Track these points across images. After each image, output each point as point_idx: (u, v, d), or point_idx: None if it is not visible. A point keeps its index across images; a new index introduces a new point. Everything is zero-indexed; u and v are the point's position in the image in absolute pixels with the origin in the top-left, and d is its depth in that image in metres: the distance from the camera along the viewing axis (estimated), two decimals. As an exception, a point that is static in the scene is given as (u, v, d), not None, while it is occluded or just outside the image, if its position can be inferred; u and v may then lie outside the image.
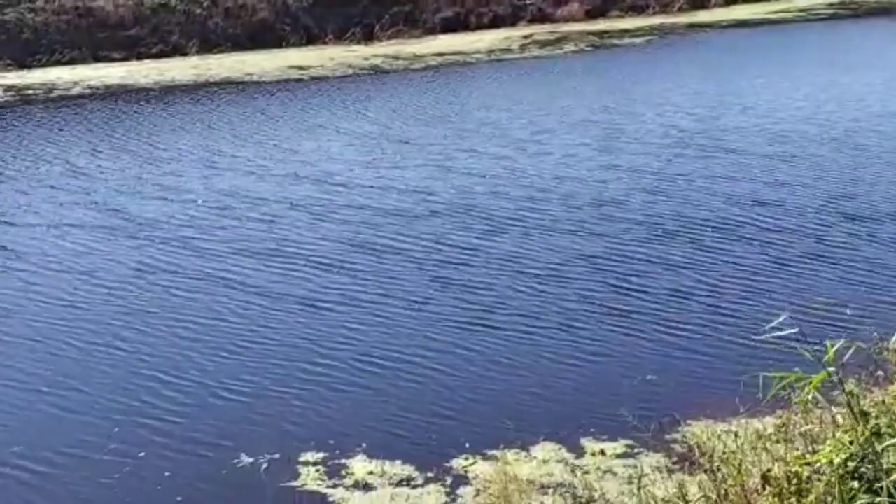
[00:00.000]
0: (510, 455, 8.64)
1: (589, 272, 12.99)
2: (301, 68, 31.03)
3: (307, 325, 11.69)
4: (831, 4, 42.01)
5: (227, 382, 10.31)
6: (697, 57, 32.14)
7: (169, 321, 11.92)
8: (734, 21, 38.92)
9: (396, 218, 15.59)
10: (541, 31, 37.40)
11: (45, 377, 10.62)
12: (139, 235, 15.23)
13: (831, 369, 4.69)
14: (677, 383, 9.96)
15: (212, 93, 27.96)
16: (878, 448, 4.59)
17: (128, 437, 9.32)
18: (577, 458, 8.62)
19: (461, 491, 8.23)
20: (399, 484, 8.38)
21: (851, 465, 4.73)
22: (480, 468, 8.51)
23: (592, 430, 9.03)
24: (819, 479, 5.12)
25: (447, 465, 8.60)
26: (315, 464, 8.71)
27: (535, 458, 8.63)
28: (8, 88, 28.55)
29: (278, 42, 34.63)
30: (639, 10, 40.56)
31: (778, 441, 7.02)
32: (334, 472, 8.59)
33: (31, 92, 28.25)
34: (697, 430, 8.67)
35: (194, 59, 32.82)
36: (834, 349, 4.73)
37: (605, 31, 37.07)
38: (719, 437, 7.87)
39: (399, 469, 8.59)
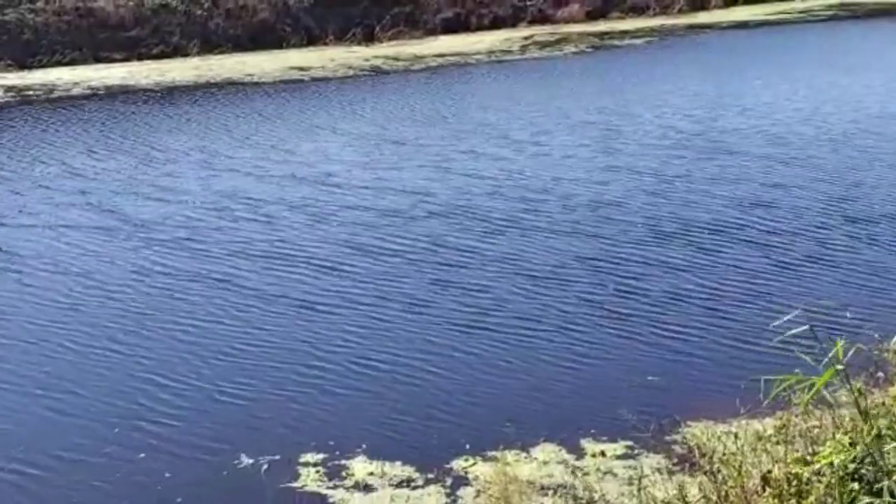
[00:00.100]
0: (510, 456, 8.64)
1: (588, 274, 13.00)
2: (301, 69, 31.05)
3: (307, 326, 11.70)
4: (831, 6, 42.03)
5: (227, 384, 10.31)
6: (697, 58, 32.16)
7: (168, 323, 11.92)
8: (734, 22, 38.94)
9: (396, 219, 15.59)
10: (541, 32, 37.41)
11: (43, 379, 10.60)
12: (137, 236, 15.23)
13: (839, 367, 4.70)
14: (677, 385, 9.97)
15: (212, 94, 27.97)
16: (886, 449, 4.60)
17: (127, 439, 9.32)
18: (577, 459, 8.62)
19: (461, 492, 8.24)
20: (399, 485, 8.39)
21: (852, 466, 4.74)
22: (481, 469, 8.52)
23: (592, 431, 9.04)
24: (819, 481, 5.13)
25: (447, 466, 8.60)
26: (315, 465, 8.72)
27: (535, 459, 8.64)
28: (8, 89, 28.55)
29: (279, 43, 34.64)
30: (639, 12, 40.58)
31: (778, 442, 7.03)
32: (334, 473, 8.59)
33: (31, 92, 28.26)
34: (697, 432, 8.68)
35: (195, 60, 32.83)
36: (831, 354, 4.74)
37: (606, 33, 37.09)
38: (719, 438, 7.89)
39: (399, 470, 8.59)
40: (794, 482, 5.36)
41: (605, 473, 8.35)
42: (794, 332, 5.33)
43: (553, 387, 10.06)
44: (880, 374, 7.35)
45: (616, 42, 35.22)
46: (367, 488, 8.36)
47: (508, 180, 17.63)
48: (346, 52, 34.05)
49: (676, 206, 15.73)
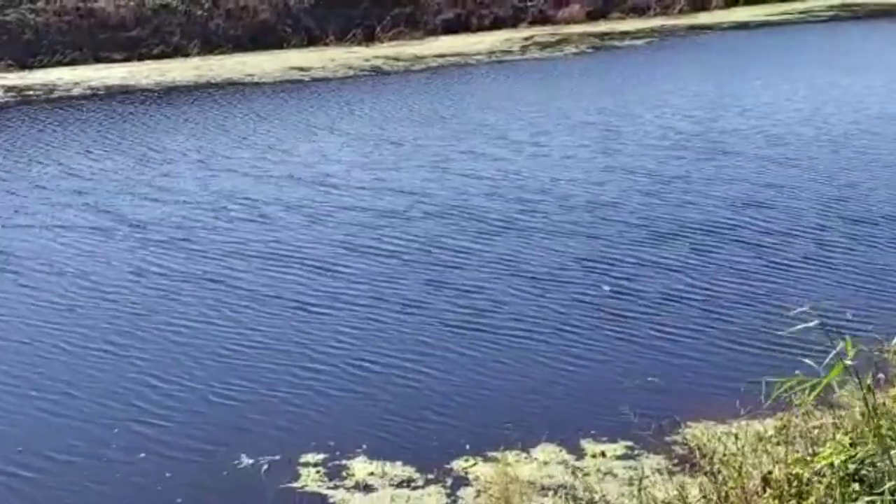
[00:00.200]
0: (511, 456, 8.64)
1: (588, 274, 13.00)
2: (302, 69, 31.05)
3: (306, 327, 11.70)
4: (832, 6, 42.03)
5: (227, 384, 10.31)
6: (697, 59, 32.16)
7: (166, 323, 11.91)
8: (734, 23, 38.93)
9: (394, 219, 15.59)
10: (541, 32, 37.41)
11: (42, 380, 10.58)
12: (134, 237, 15.21)
13: (850, 362, 4.69)
14: (677, 385, 9.97)
15: (212, 94, 27.97)
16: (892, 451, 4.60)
17: (127, 439, 9.32)
18: (577, 459, 8.62)
19: (462, 492, 8.24)
20: (400, 485, 8.39)
21: (852, 467, 4.74)
22: (481, 469, 8.52)
23: (593, 431, 9.04)
24: (820, 482, 5.13)
25: (448, 466, 8.60)
26: (315, 465, 8.72)
27: (535, 459, 8.64)
28: (9, 89, 28.56)
29: (279, 43, 34.64)
30: (640, 12, 40.57)
31: (779, 443, 7.03)
32: (335, 473, 8.59)
33: (31, 93, 28.25)
34: (698, 432, 8.68)
35: (195, 60, 32.83)
36: (837, 349, 4.74)
37: (606, 33, 37.09)
38: (720, 438, 7.89)
39: (400, 470, 8.59)
40: (795, 483, 5.37)
41: (606, 474, 8.35)
42: (795, 331, 5.33)
43: (553, 387, 10.06)
44: (881, 375, 7.35)
45: (616, 43, 35.22)
46: (367, 488, 8.36)
47: (507, 181, 17.63)
48: (346, 52, 34.05)
49: (676, 207, 15.73)
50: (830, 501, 4.91)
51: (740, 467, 6.46)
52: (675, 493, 7.05)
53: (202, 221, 15.90)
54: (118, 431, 9.46)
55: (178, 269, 13.75)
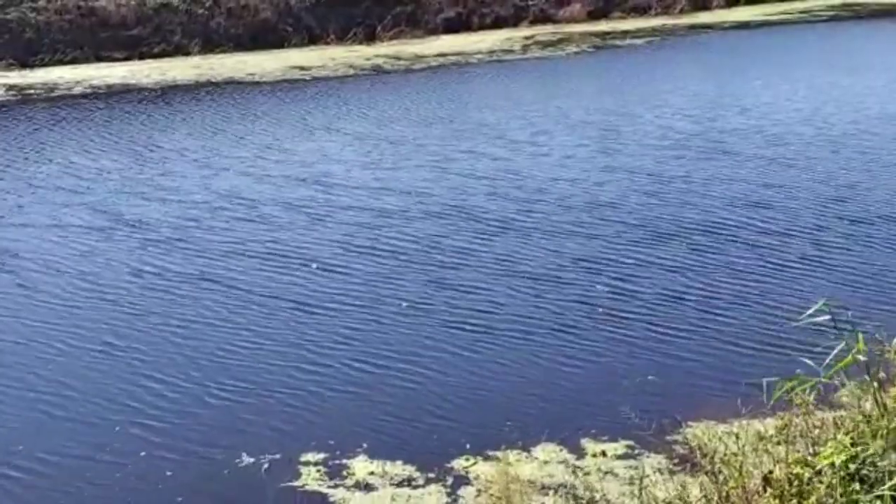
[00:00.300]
0: (511, 456, 8.65)
1: (589, 274, 13.00)
2: (303, 68, 31.04)
3: (307, 325, 11.70)
4: (832, 6, 42.01)
5: (228, 383, 10.32)
6: (698, 58, 32.15)
7: (167, 321, 11.91)
8: (735, 23, 38.91)
9: (396, 219, 15.59)
10: (543, 31, 37.39)
11: (42, 378, 10.59)
12: (135, 236, 15.19)
13: (861, 357, 4.70)
14: (678, 384, 9.97)
15: (213, 93, 27.96)
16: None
17: (128, 438, 9.33)
18: (578, 458, 8.63)
19: (462, 491, 8.25)
20: (400, 484, 8.39)
21: (853, 466, 4.74)
22: (481, 469, 8.53)
23: (593, 430, 9.05)
24: (820, 481, 5.13)
25: (448, 465, 8.61)
26: (316, 464, 8.73)
27: (536, 458, 8.64)
28: (10, 88, 28.55)
29: (280, 42, 34.62)
30: (641, 12, 40.55)
31: (779, 443, 7.03)
32: (335, 472, 8.60)
33: (32, 91, 28.24)
34: (698, 432, 8.69)
35: (196, 59, 32.81)
36: (838, 349, 4.75)
37: (607, 33, 37.07)
38: (720, 438, 7.88)
39: (400, 469, 8.60)
40: (796, 482, 5.37)
41: (606, 473, 8.36)
42: (798, 329, 5.34)
43: (554, 386, 10.07)
44: (882, 374, 7.34)
45: (617, 42, 35.20)
46: (367, 487, 8.37)
47: (507, 181, 17.62)
48: (347, 51, 34.03)
49: (676, 207, 15.73)
50: (831, 501, 4.91)
51: (741, 467, 6.46)
52: (676, 492, 7.06)
53: (202, 221, 15.89)
54: (118, 430, 9.46)
55: (183, 267, 13.75)
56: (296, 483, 8.46)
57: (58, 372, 10.72)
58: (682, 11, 40.78)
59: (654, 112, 23.06)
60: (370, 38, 35.55)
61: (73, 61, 32.02)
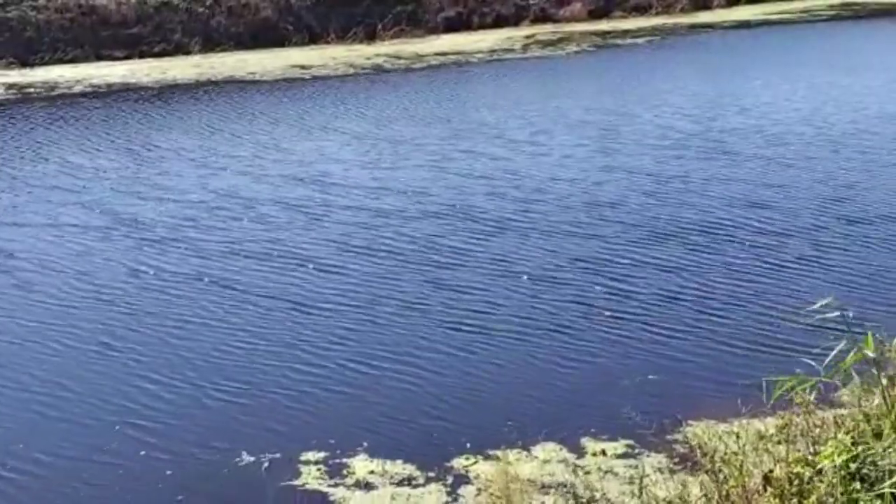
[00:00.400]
0: (511, 455, 8.65)
1: (589, 274, 13.00)
2: (303, 67, 31.04)
3: (307, 325, 11.70)
4: (832, 6, 42.03)
5: (228, 382, 10.31)
6: (698, 58, 32.15)
7: (164, 321, 11.89)
8: (736, 22, 38.94)
9: (395, 219, 15.58)
10: (543, 31, 37.41)
11: (38, 378, 10.55)
12: (132, 236, 15.16)
13: (870, 354, 4.70)
14: (678, 384, 9.97)
15: (213, 92, 27.96)
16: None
17: (128, 437, 9.32)
18: (578, 458, 8.63)
19: (462, 490, 8.24)
20: (400, 483, 8.39)
21: (853, 466, 4.75)
22: (481, 468, 8.52)
23: (593, 430, 9.04)
24: (821, 481, 5.13)
25: (448, 464, 8.61)
26: (316, 463, 8.72)
27: (536, 457, 8.64)
28: (10, 87, 28.56)
29: (281, 41, 34.63)
30: (641, 11, 40.58)
31: (780, 442, 7.03)
32: (335, 471, 8.60)
33: (32, 90, 28.25)
34: (699, 431, 8.69)
35: (196, 58, 32.82)
36: (838, 349, 4.75)
37: (608, 32, 37.09)
38: (721, 437, 7.88)
39: (400, 468, 8.60)
40: (796, 482, 5.37)
41: (607, 472, 8.36)
42: (800, 328, 5.34)
43: (554, 386, 10.06)
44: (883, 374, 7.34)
45: (618, 41, 35.21)
46: (367, 486, 8.36)
47: (506, 180, 17.61)
48: (347, 50, 34.04)
49: (676, 207, 15.73)
50: (831, 500, 4.91)
51: (741, 466, 6.46)
52: (676, 491, 7.06)
53: (199, 220, 15.87)
54: (119, 429, 9.46)
55: (174, 268, 13.73)
56: (296, 482, 8.46)
57: (54, 372, 10.70)
58: (682, 10, 40.82)
59: (653, 112, 23.06)
60: (371, 37, 35.56)
61: (74, 60, 32.03)
